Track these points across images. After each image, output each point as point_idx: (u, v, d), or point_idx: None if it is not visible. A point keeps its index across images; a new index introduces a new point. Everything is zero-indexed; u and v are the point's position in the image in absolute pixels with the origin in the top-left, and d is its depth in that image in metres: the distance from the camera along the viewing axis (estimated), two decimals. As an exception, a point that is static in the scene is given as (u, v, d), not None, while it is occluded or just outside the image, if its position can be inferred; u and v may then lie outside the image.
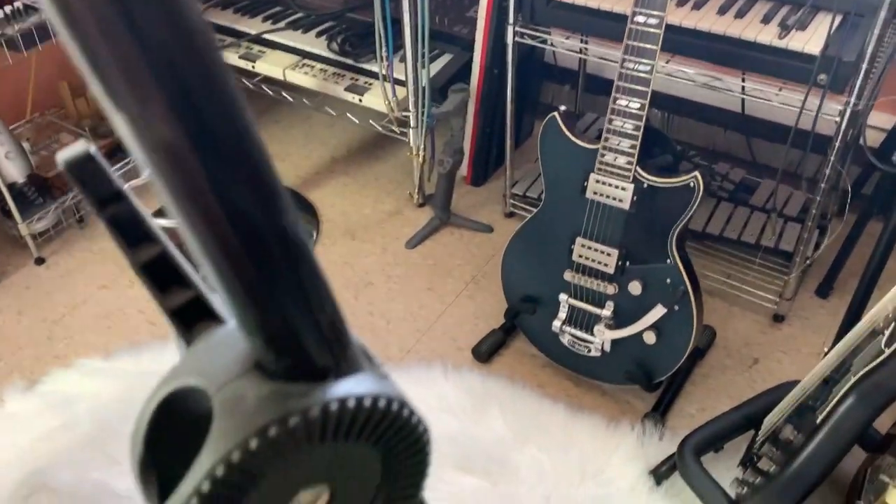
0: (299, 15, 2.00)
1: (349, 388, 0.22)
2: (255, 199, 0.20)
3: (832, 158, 1.31)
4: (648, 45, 1.11)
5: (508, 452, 1.31)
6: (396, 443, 0.24)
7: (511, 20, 1.53)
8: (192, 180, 0.19)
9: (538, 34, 1.53)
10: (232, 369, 0.22)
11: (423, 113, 1.70)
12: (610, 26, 1.39)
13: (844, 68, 1.22)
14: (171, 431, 0.23)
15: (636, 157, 1.18)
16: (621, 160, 1.19)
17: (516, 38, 1.55)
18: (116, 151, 1.93)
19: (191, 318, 0.26)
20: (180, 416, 0.23)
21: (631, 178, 1.20)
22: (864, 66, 1.20)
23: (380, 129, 1.81)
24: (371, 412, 0.22)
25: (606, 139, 1.20)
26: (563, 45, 1.58)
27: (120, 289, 1.65)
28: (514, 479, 1.27)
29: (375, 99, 1.73)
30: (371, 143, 2.13)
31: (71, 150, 0.26)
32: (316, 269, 0.23)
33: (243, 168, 0.20)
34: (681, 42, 1.35)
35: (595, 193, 1.24)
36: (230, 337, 0.23)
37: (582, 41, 1.60)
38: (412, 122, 1.72)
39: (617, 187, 1.21)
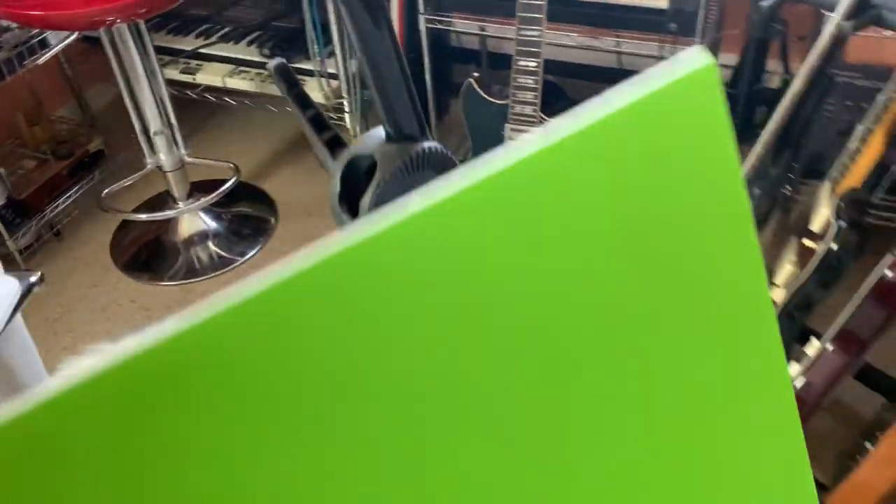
0: (227, 29, 2.24)
1: (428, 144, 0.49)
2: (394, 69, 0.48)
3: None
4: (536, 15, 1.43)
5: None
6: (446, 170, 0.51)
7: (421, 10, 1.82)
8: (376, 68, 0.46)
9: (445, 20, 1.83)
10: (380, 142, 0.49)
11: (356, 99, 1.97)
12: (504, 6, 1.70)
13: (688, 16, 1.57)
14: (352, 178, 0.49)
15: (539, 104, 1.49)
16: (528, 109, 1.50)
17: (427, 25, 1.84)
18: (77, 170, 2.12)
19: (333, 147, 0.52)
20: (355, 169, 0.50)
21: (538, 122, 1.51)
22: (702, 11, 1.56)
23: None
24: (437, 153, 0.49)
25: (514, 94, 1.50)
26: (466, 28, 1.88)
27: (109, 285, 1.86)
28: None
29: (310, 93, 1.99)
30: (308, 135, 2.38)
31: (274, 60, 0.52)
32: (413, 96, 0.50)
33: (390, 59, 0.47)
34: (561, 12, 1.67)
35: (512, 140, 1.54)
36: (372, 136, 0.50)
37: (481, 23, 1.91)
38: (347, 108, 1.99)
39: (528, 132, 1.52)
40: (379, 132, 0.51)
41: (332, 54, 1.93)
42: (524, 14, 1.43)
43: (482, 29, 1.90)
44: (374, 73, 0.47)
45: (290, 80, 0.53)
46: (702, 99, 0.28)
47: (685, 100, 0.27)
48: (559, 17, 1.70)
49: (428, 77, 1.96)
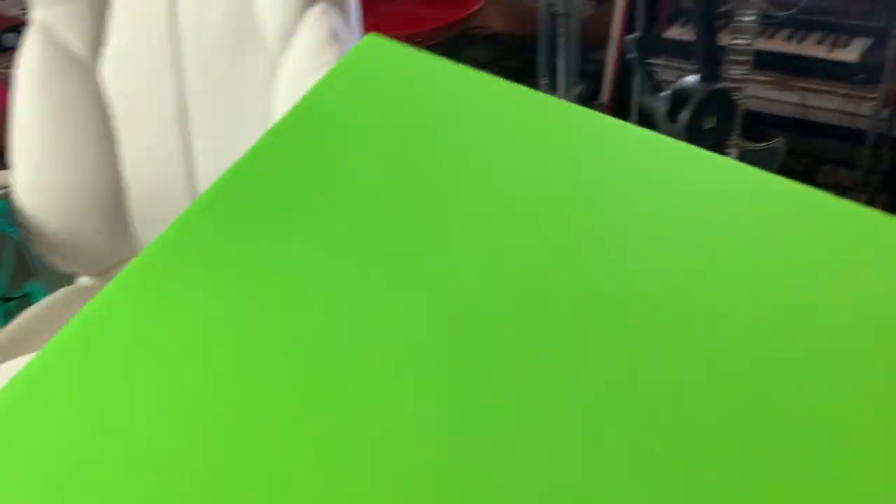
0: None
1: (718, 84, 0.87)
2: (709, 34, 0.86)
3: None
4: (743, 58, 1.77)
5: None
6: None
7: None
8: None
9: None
10: (694, 81, 0.87)
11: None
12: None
13: (876, 67, 1.85)
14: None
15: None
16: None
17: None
18: None
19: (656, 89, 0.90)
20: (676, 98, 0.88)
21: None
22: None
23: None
24: (723, 91, 0.86)
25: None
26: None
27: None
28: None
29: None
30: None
31: (632, 36, 0.91)
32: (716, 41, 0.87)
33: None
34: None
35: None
36: (685, 80, 0.88)
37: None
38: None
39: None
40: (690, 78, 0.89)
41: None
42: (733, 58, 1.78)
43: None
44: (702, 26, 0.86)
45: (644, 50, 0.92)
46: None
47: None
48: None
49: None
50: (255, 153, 0.49)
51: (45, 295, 1.58)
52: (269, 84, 1.22)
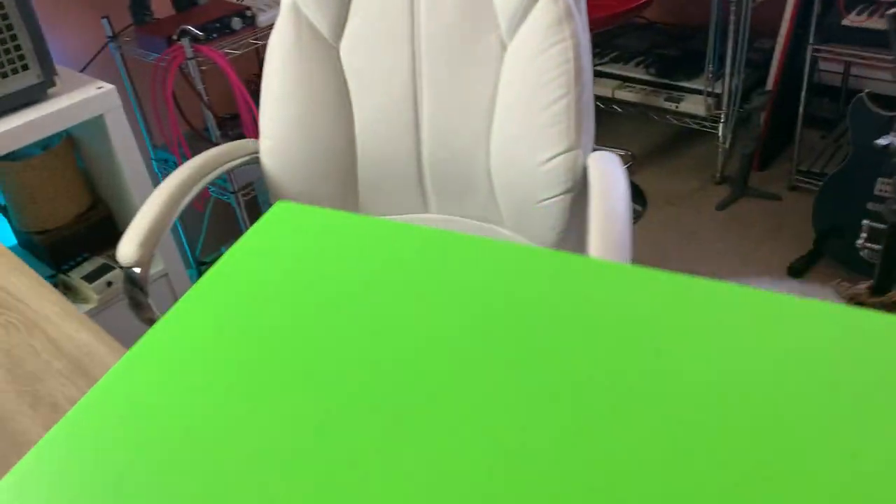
0: (616, 53, 2.77)
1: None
2: None
3: None
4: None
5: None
6: None
7: (811, 41, 2.19)
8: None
9: (831, 52, 2.18)
10: None
11: (733, 111, 2.38)
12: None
13: None
14: None
15: (928, 117, 1.79)
16: (916, 121, 1.81)
17: (812, 54, 2.21)
18: None
19: None
20: None
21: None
22: None
23: (694, 126, 2.51)
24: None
25: (904, 108, 1.81)
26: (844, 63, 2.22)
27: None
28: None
29: (687, 105, 2.44)
30: (674, 138, 2.84)
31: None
32: None
33: None
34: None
35: (888, 145, 1.85)
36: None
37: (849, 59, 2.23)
38: (723, 119, 2.41)
39: (912, 139, 1.82)
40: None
41: (721, 76, 2.36)
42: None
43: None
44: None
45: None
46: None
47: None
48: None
49: (802, 98, 2.32)
50: (170, 317, 0.52)
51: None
52: (499, 62, 1.31)
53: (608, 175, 1.19)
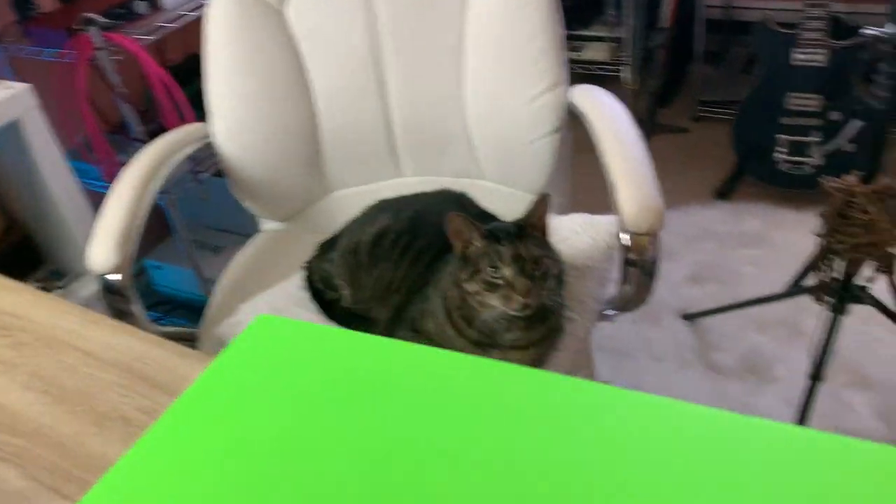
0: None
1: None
2: None
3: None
4: (829, -41, 1.86)
5: (766, 235, 2.02)
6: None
7: (701, -25, 2.29)
8: None
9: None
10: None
11: (636, 53, 2.45)
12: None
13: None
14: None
15: (827, 31, 1.92)
16: (816, 35, 1.93)
17: (702, -12, 2.31)
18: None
19: None
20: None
21: (824, 45, 1.93)
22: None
23: (599, 72, 2.57)
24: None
25: (803, 24, 1.93)
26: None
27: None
28: (773, 245, 1.98)
29: (590, 52, 2.49)
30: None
31: None
32: None
33: None
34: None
35: (799, 60, 1.97)
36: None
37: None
38: (627, 61, 2.48)
39: (815, 53, 1.95)
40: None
41: (619, 23, 2.43)
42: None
43: None
44: None
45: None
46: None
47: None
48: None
49: (697, 36, 2.42)
50: (156, 430, 0.55)
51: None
52: (461, 15, 1.26)
53: (604, 104, 1.18)
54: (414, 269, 1.03)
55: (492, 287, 0.86)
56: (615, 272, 1.07)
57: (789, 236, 2.02)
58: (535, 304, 0.87)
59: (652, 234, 0.99)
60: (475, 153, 1.33)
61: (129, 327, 0.76)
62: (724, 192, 2.23)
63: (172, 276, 2.01)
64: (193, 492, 0.50)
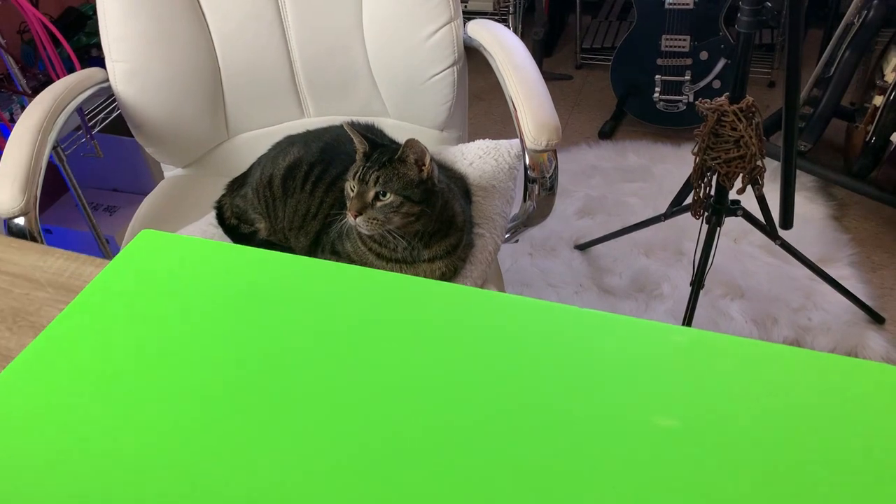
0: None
1: None
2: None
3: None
4: None
5: (647, 168, 2.18)
6: None
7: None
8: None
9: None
10: None
11: (520, 2, 2.54)
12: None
13: None
14: None
15: (693, -25, 2.06)
16: (684, -21, 2.07)
17: (579, -62, 2.41)
18: None
19: None
20: None
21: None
22: None
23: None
24: None
25: (673, -30, 2.07)
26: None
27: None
28: (654, 177, 2.14)
29: (475, 3, 2.56)
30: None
31: None
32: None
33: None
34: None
35: (670, 4, 2.11)
36: None
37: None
38: (511, 10, 2.56)
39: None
40: None
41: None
42: None
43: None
44: None
45: None
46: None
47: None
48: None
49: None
50: (41, 340, 0.58)
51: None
52: (356, -55, 1.29)
53: (499, 34, 1.24)
54: (329, 195, 1.07)
55: (346, 198, 0.93)
56: (519, 191, 1.15)
57: (668, 169, 2.18)
58: (371, 230, 0.93)
59: (550, 151, 1.07)
60: (377, 91, 1.37)
61: (56, 250, 0.76)
62: (608, 133, 2.37)
63: (64, 240, 1.94)
64: (71, 402, 0.52)
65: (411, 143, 0.90)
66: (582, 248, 1.92)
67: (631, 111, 2.35)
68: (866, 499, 0.43)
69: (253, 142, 1.40)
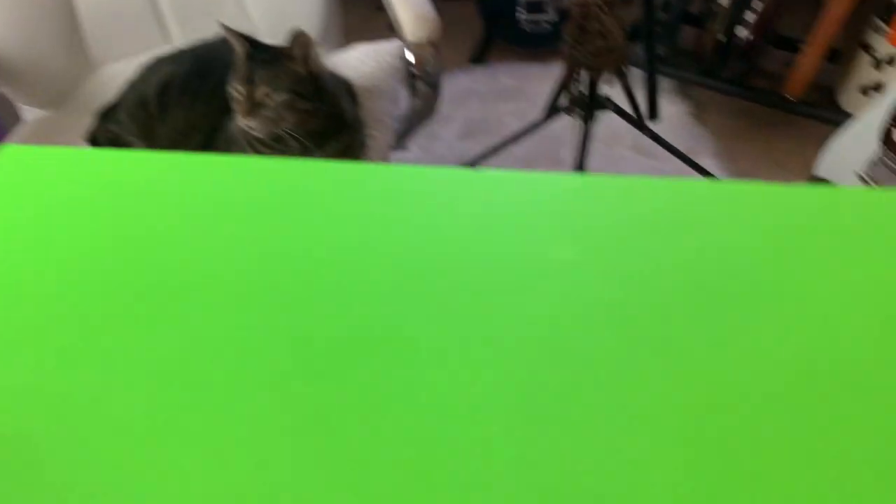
0: None
1: None
2: None
3: None
4: None
5: (520, 89, 2.24)
6: None
7: None
8: None
9: None
10: None
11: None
12: None
13: None
14: None
15: None
16: None
17: None
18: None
19: None
20: None
21: None
22: None
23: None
24: None
25: None
26: None
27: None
28: (527, 96, 2.21)
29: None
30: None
31: None
32: None
33: None
34: None
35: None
36: None
37: None
38: (371, -57, 2.52)
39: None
40: None
41: None
42: None
43: None
44: None
45: None
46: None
47: None
48: None
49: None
50: None
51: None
52: None
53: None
54: (210, 106, 1.04)
55: (234, 102, 0.92)
56: (405, 92, 1.16)
57: (539, 87, 2.25)
58: (263, 130, 0.92)
59: (431, 44, 1.08)
60: (244, 9, 1.33)
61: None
62: (479, 58, 2.41)
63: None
64: None
65: (299, 35, 0.89)
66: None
67: (499, 35, 2.40)
68: (725, 306, 0.47)
69: (118, 74, 1.33)
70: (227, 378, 0.44)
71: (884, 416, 0.41)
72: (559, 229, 0.53)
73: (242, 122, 0.91)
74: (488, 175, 0.59)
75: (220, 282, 0.50)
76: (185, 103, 1.04)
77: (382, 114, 1.12)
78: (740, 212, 0.54)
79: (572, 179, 0.58)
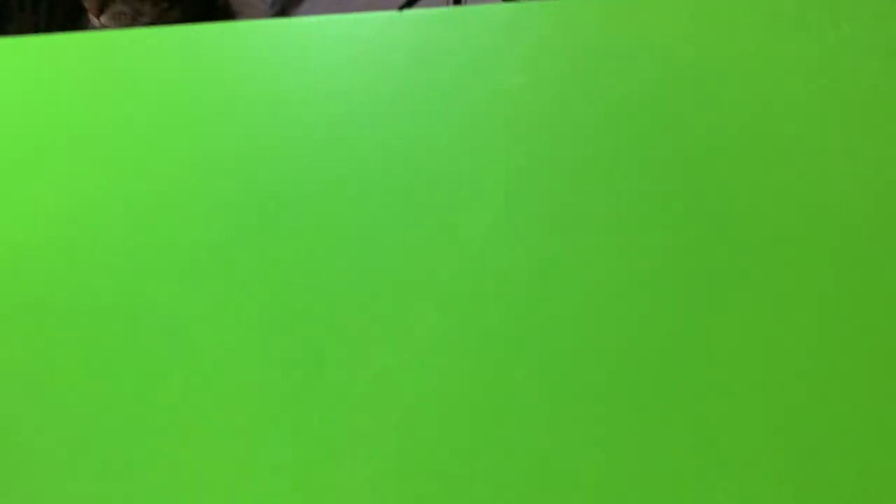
0: None
1: None
2: None
3: None
4: None
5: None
6: None
7: None
8: None
9: None
10: None
11: None
12: None
13: None
14: None
15: None
16: None
17: None
18: None
19: None
20: None
21: None
22: None
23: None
24: None
25: None
26: None
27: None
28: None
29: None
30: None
31: None
32: None
33: None
34: None
35: None
36: None
37: None
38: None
39: None
40: None
41: None
42: None
43: None
44: None
45: None
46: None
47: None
48: None
49: None
50: None
51: None
52: None
53: None
54: (58, 9, 0.94)
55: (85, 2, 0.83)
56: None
57: None
58: (121, 27, 0.83)
59: None
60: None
61: None
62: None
63: None
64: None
65: None
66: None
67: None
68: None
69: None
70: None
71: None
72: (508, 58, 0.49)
73: (95, 22, 0.80)
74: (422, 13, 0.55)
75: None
76: (27, 7, 0.94)
77: None
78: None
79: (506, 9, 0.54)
